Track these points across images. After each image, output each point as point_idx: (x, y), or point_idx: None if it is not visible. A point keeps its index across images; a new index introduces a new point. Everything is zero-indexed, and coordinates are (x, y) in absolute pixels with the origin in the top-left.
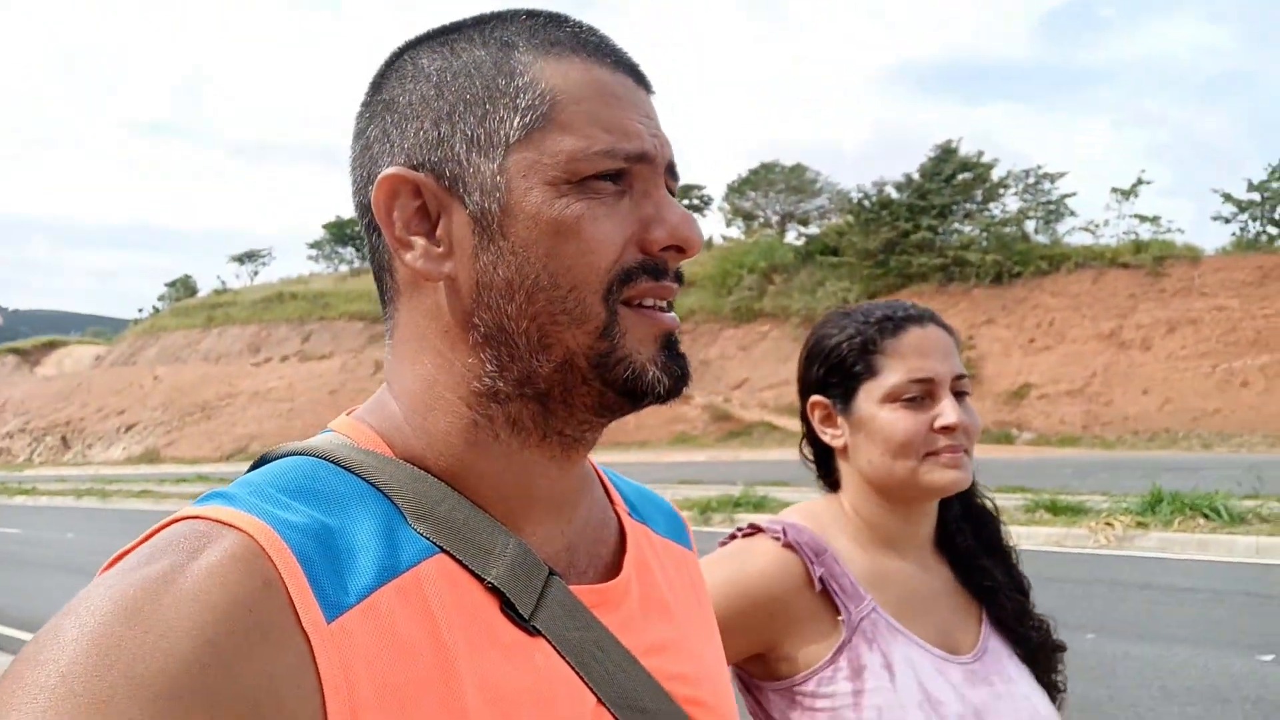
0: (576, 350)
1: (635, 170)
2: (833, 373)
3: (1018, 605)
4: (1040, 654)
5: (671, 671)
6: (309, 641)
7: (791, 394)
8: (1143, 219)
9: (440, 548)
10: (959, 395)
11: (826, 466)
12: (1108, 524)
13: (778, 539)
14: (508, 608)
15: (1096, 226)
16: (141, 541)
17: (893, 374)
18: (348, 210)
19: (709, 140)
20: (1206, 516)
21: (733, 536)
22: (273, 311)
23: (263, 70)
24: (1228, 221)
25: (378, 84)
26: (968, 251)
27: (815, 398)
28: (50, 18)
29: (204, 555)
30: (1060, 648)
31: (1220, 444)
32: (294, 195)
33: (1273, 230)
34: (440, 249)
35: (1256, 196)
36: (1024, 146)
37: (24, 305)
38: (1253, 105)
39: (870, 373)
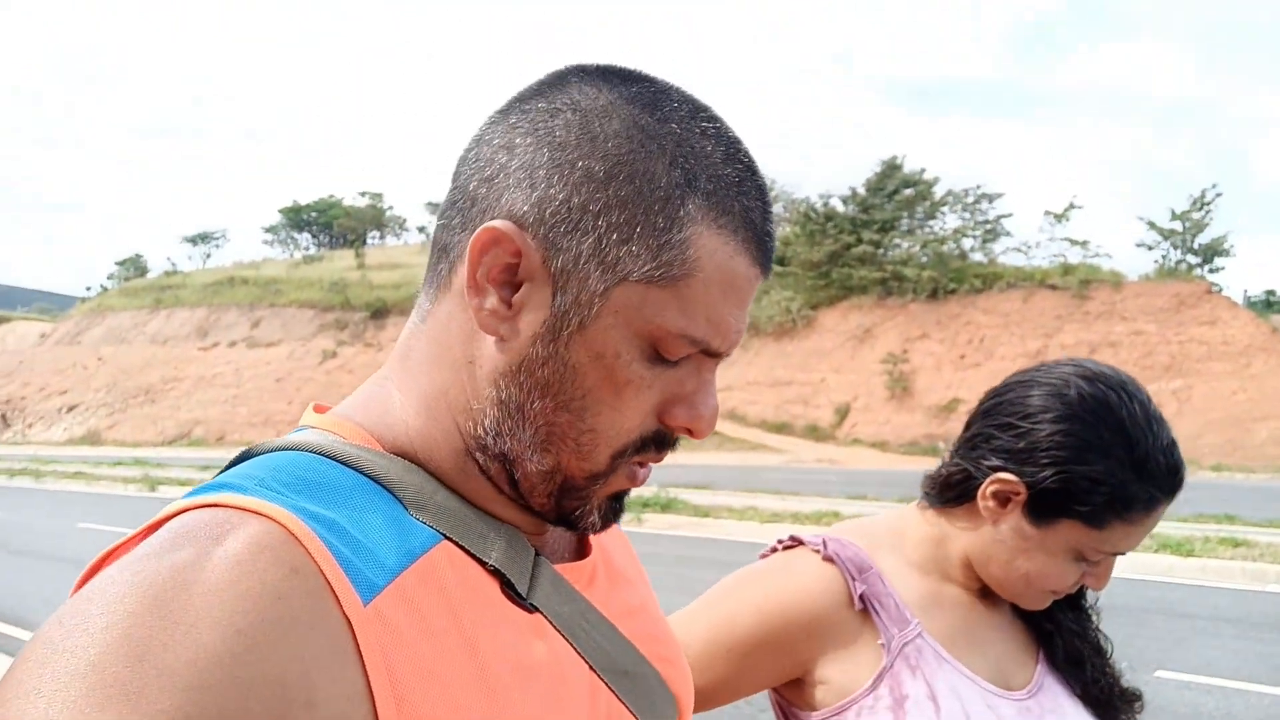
0: (566, 472)
1: (707, 357)
2: (1064, 496)
3: (1077, 650)
4: (1106, 703)
5: (643, 633)
6: (350, 625)
7: (732, 400)
8: (1073, 242)
9: (443, 535)
10: None
11: (955, 491)
12: None
13: (818, 552)
14: (507, 588)
15: (1029, 248)
16: (150, 529)
17: (1108, 542)
18: (305, 195)
19: None
20: None
21: (772, 550)
22: (223, 295)
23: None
24: (1151, 249)
25: (554, 89)
26: (906, 267)
27: (1013, 480)
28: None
29: (228, 543)
30: (1132, 696)
31: None
32: (251, 177)
33: (1192, 259)
34: (508, 310)
35: (1178, 226)
36: (983, 163)
37: None
38: (1203, 131)
39: (1094, 523)
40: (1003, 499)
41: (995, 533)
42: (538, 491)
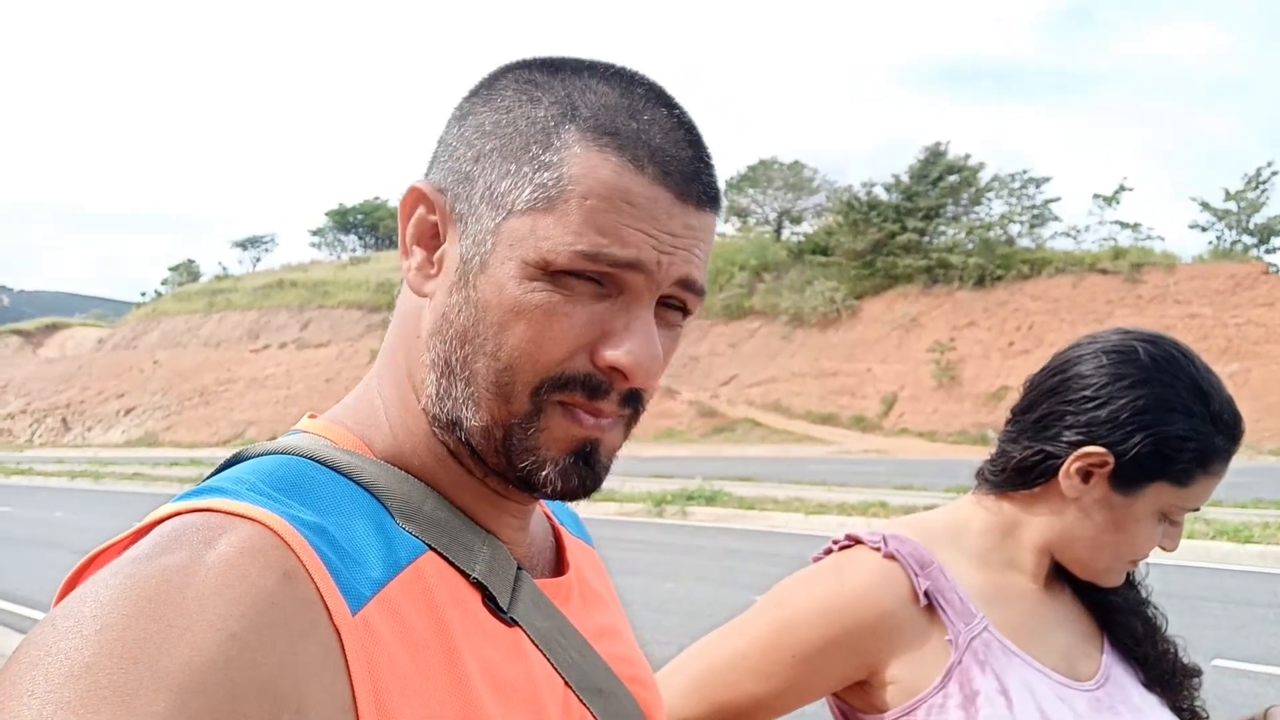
0: (497, 423)
1: (627, 279)
2: (1156, 459)
3: (1139, 628)
4: (1168, 680)
5: (616, 654)
6: (339, 634)
7: (776, 392)
8: (1123, 225)
9: (429, 545)
10: None
11: (1033, 474)
12: None
13: (877, 549)
14: (489, 601)
15: (1078, 232)
16: (139, 533)
17: (1191, 497)
18: (350, 197)
19: (715, 135)
20: None
21: (827, 551)
22: (272, 298)
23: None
24: (1204, 230)
25: (475, 89)
26: (952, 254)
27: (1100, 452)
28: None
29: (219, 546)
30: (1193, 672)
31: None
32: (299, 180)
33: (1248, 239)
34: (433, 269)
35: (1233, 206)
36: (1028, 148)
37: (29, 286)
38: (1258, 109)
39: (1181, 482)
40: (1086, 474)
41: (1079, 510)
42: (490, 453)
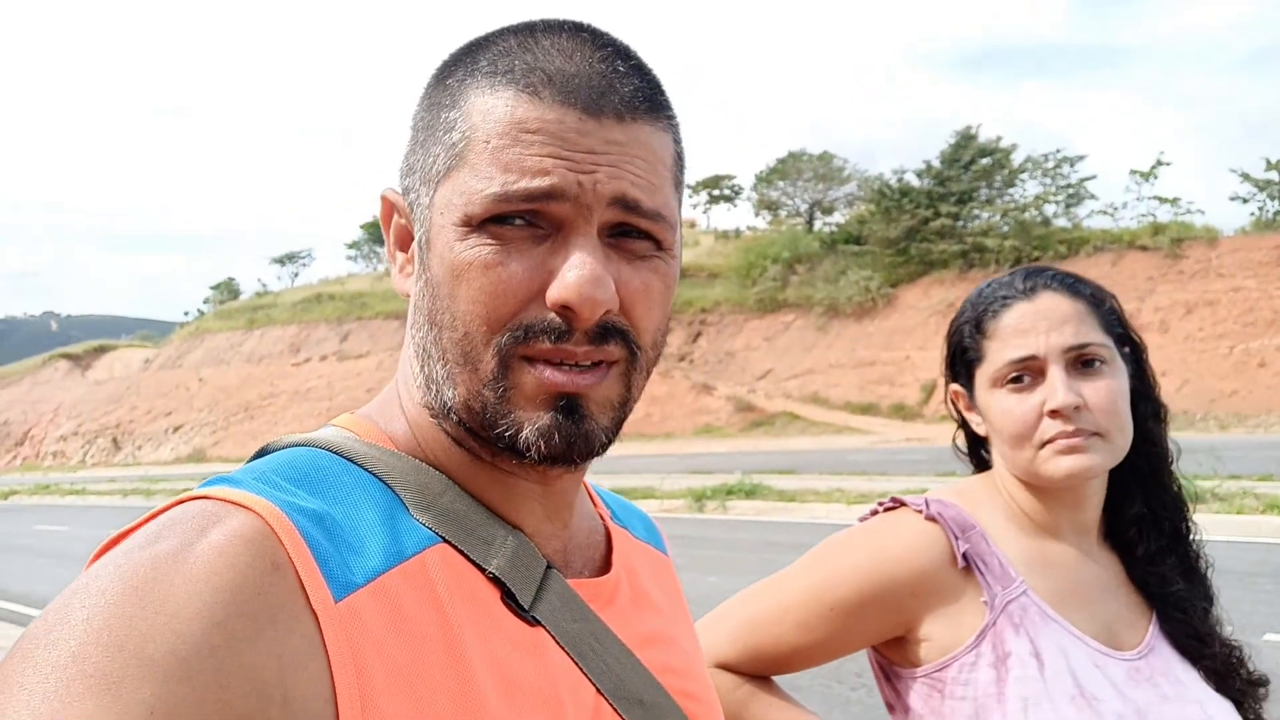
0: (472, 394)
1: (555, 211)
2: (955, 359)
3: (1198, 622)
4: (1226, 681)
5: (664, 664)
6: (317, 621)
7: (814, 383)
8: (1162, 200)
9: (442, 537)
10: (1088, 364)
11: (985, 449)
12: None
13: (920, 512)
14: (508, 598)
15: (1115, 209)
16: (146, 520)
17: (994, 357)
18: None
19: (745, 128)
20: None
21: (873, 513)
22: (312, 312)
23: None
24: (1245, 202)
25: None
26: (987, 237)
27: (953, 385)
28: (99, 22)
29: (211, 534)
30: (1258, 682)
31: (1237, 425)
32: (333, 195)
33: None
34: (410, 268)
35: (1275, 175)
36: (1062, 127)
37: (75, 310)
38: None
39: (979, 358)
40: (964, 404)
41: (990, 436)
42: (479, 427)
